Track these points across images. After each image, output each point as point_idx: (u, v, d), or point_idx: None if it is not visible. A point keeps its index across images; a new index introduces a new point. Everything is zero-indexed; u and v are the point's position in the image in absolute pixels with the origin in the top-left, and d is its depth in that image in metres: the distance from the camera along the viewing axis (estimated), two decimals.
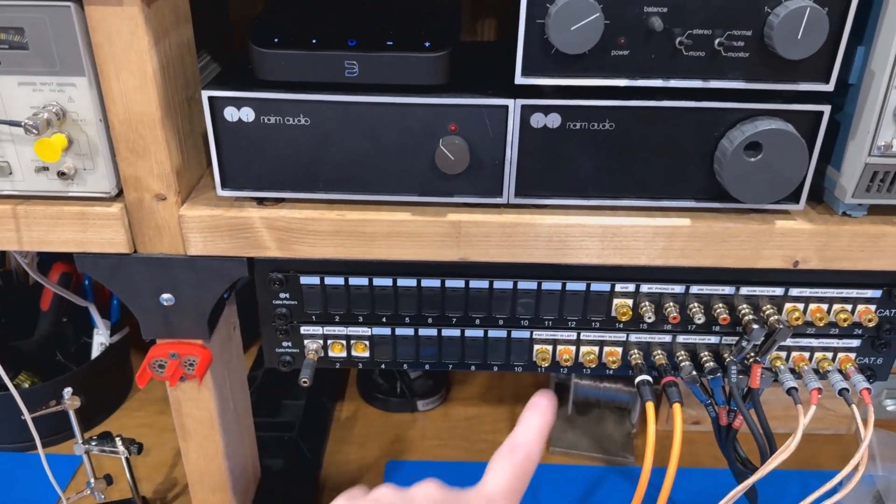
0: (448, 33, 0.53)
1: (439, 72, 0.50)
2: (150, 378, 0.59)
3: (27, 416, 0.67)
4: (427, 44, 0.50)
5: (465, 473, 0.85)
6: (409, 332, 0.60)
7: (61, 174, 0.52)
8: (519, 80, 0.49)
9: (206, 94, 0.50)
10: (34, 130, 0.48)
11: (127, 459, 0.74)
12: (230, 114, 0.51)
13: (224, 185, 0.53)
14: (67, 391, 0.71)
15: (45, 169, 0.52)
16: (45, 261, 0.90)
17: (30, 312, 0.93)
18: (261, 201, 0.55)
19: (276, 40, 0.50)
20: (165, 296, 0.57)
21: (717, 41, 0.48)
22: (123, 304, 0.97)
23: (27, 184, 0.53)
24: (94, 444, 0.74)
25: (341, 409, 0.96)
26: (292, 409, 0.90)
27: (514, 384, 1.00)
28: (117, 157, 0.52)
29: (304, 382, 0.58)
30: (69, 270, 0.90)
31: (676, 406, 0.55)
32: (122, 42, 0.48)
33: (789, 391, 0.57)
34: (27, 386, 0.88)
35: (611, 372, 0.60)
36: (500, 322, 0.59)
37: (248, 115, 0.51)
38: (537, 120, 0.51)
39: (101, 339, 0.93)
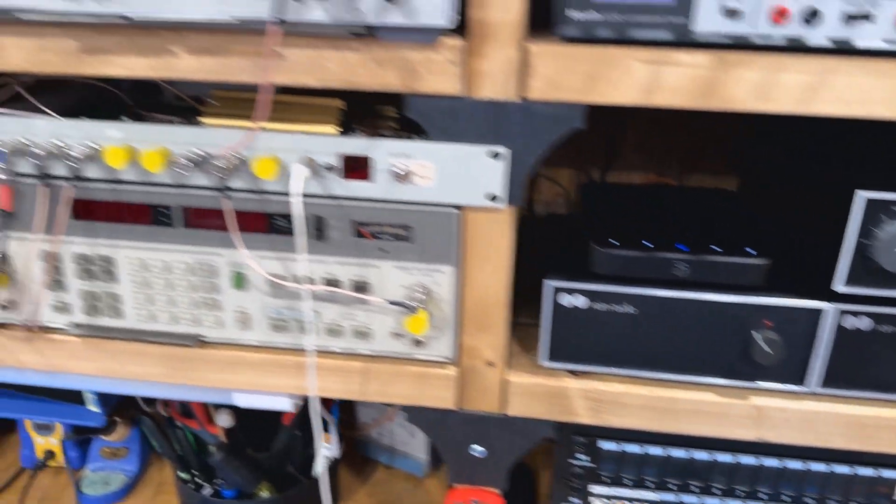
0: (764, 240, 0.59)
1: (761, 276, 0.56)
2: None
3: None
4: (750, 250, 0.57)
5: None
6: (695, 500, 0.64)
7: (417, 342, 0.61)
8: (840, 288, 0.55)
9: (549, 283, 0.58)
10: (413, 311, 0.57)
11: None
12: (566, 300, 0.59)
13: (550, 358, 0.61)
14: None
15: (399, 335, 0.61)
16: None
17: (269, 425, 1.02)
18: (574, 372, 0.62)
19: (612, 241, 0.58)
20: (478, 448, 0.64)
21: None
22: (341, 420, 1.06)
23: (381, 346, 0.62)
24: None
25: None
26: None
27: None
28: (462, 330, 0.60)
29: None
30: None
31: None
32: (493, 240, 0.57)
33: None
34: (267, 495, 0.96)
35: None
36: (787, 500, 0.63)
37: (581, 301, 0.59)
38: (850, 322, 0.56)
39: (327, 452, 1.01)
